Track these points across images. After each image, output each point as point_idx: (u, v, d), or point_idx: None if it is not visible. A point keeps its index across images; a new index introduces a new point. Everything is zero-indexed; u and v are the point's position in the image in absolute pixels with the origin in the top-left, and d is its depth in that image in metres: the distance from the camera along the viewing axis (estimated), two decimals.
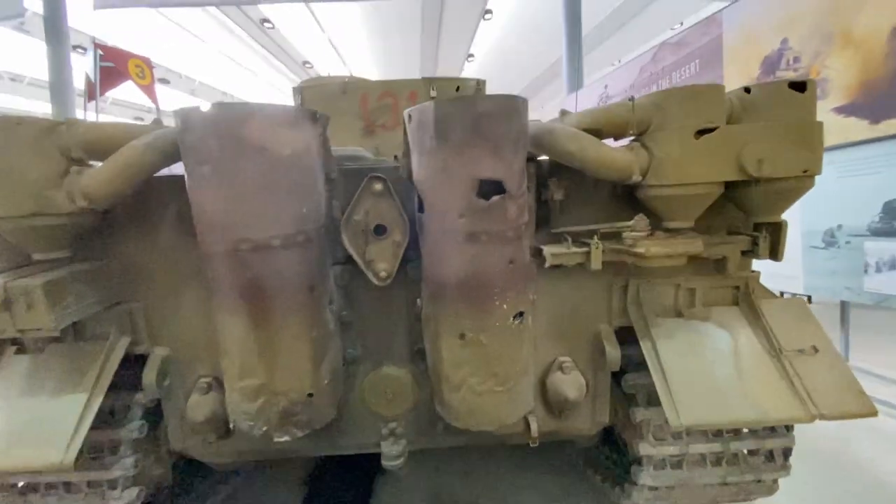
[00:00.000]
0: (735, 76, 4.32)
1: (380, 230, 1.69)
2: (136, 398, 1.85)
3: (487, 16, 13.45)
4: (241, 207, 1.37)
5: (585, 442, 2.56)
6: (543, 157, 1.74)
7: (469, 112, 1.32)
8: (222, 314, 1.49)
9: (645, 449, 1.87)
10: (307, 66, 18.10)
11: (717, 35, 4.44)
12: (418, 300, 1.69)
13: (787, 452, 1.92)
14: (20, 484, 1.84)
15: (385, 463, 1.89)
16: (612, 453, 2.53)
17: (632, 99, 1.51)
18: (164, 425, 2.00)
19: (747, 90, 1.49)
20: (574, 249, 1.65)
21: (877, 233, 3.16)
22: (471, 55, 16.94)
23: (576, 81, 8.16)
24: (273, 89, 20.40)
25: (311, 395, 1.56)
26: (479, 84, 3.15)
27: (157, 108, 6.51)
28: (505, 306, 1.47)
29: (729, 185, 1.56)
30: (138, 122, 1.85)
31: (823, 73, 3.45)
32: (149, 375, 1.79)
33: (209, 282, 1.50)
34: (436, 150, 1.39)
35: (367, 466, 2.80)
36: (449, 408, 1.60)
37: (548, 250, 1.66)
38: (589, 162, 1.51)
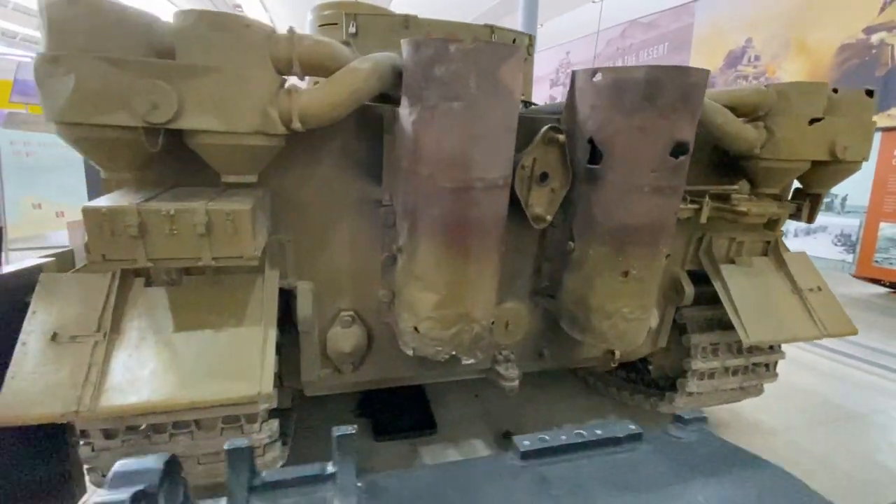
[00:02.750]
0: (701, 63, 4.99)
1: (544, 177, 1.85)
2: None
3: None
4: (484, 146, 1.43)
5: (605, 368, 3.10)
6: None
7: (680, 80, 1.54)
8: (433, 249, 1.55)
9: (696, 364, 2.40)
10: (237, 8, 16.30)
11: (688, 24, 5.03)
12: (570, 243, 1.91)
13: (776, 364, 2.63)
14: (142, 426, 1.70)
15: (505, 384, 2.14)
16: (630, 374, 3.11)
17: (768, 86, 1.86)
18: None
19: (835, 90, 1.94)
20: (688, 206, 2.01)
21: None
22: None
23: (533, 25, 8.01)
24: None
25: (493, 322, 1.73)
26: (531, 39, 3.26)
27: None
28: (664, 249, 1.78)
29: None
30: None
31: (778, 73, 4.22)
32: (304, 308, 1.76)
33: (415, 217, 1.54)
34: (637, 111, 1.59)
35: (414, 396, 3.01)
36: (598, 333, 1.90)
37: None
38: (729, 133, 1.84)
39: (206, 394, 1.45)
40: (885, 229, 3.47)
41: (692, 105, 1.59)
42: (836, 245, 3.93)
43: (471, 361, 1.72)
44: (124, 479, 0.56)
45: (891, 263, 3.44)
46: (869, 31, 3.56)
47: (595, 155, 1.75)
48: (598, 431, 0.78)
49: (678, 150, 1.63)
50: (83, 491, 2.02)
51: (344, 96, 1.39)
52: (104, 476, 1.70)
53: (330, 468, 0.68)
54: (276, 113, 1.34)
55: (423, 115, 1.41)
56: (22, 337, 1.41)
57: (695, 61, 5.13)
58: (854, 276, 4.17)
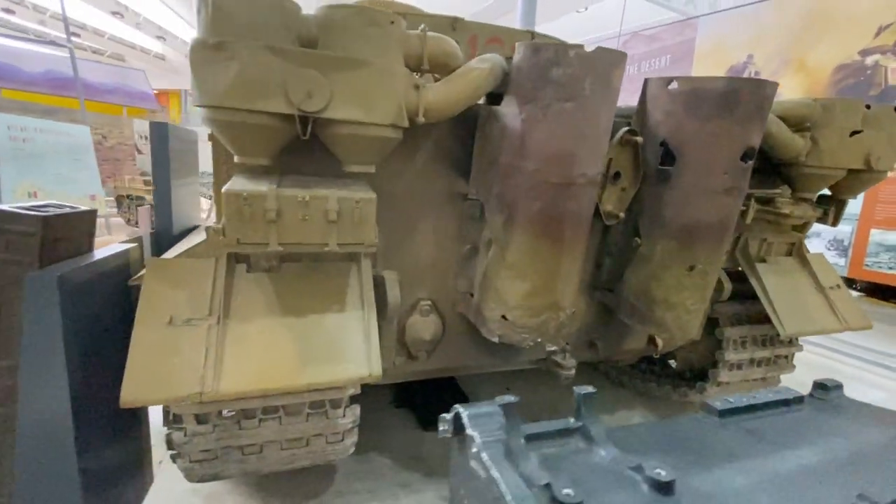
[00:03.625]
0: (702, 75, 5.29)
1: (616, 176, 1.97)
2: None
3: None
4: (589, 145, 1.54)
5: (629, 361, 3.27)
6: None
7: (759, 92, 1.70)
8: (528, 240, 1.64)
9: (728, 356, 2.58)
10: None
11: (690, 38, 5.31)
12: (636, 238, 2.04)
13: (793, 356, 2.85)
14: (227, 412, 1.71)
15: (562, 372, 2.25)
16: (652, 367, 3.29)
17: (815, 100, 2.05)
18: None
19: (868, 106, 2.15)
20: None
21: None
22: None
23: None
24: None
25: (573, 311, 1.84)
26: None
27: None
28: (726, 244, 1.94)
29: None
30: None
31: (783, 90, 4.51)
32: (394, 296, 1.81)
33: (513, 209, 1.63)
34: (714, 118, 1.74)
35: (449, 388, 3.09)
36: (661, 324, 2.03)
37: None
38: (780, 142, 2.02)
39: (320, 376, 1.49)
40: (876, 235, 3.80)
41: (763, 114, 1.75)
42: (829, 249, 4.26)
43: (553, 348, 1.82)
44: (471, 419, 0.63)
45: (880, 267, 3.78)
46: (864, 53, 3.89)
47: (667, 157, 1.89)
48: (771, 395, 0.90)
49: (748, 154, 1.78)
50: (151, 479, 2.00)
51: (466, 94, 1.47)
52: (192, 462, 1.71)
53: (573, 422, 0.76)
54: (405, 107, 1.41)
55: (535, 113, 1.50)
56: (138, 319, 1.42)
57: (696, 73, 5.42)
58: (846, 279, 4.56)
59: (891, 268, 3.69)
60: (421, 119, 1.44)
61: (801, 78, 4.32)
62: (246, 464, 1.80)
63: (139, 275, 1.58)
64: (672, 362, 3.23)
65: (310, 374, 1.48)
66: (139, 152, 10.59)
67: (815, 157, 2.09)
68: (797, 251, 2.65)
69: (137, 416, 1.82)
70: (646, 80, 1.94)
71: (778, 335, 2.72)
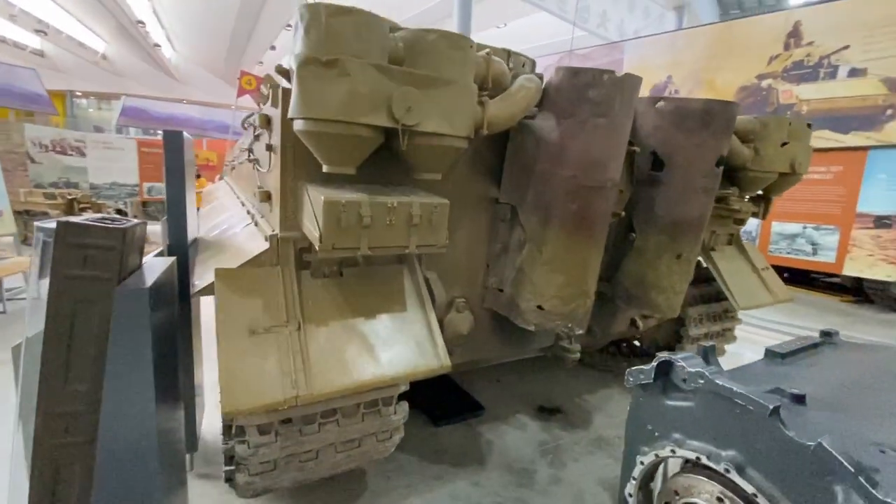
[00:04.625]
0: None
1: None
2: None
3: None
4: (616, 153, 1.82)
5: (599, 346, 3.67)
6: None
7: (728, 111, 2.10)
8: (563, 237, 1.88)
9: (692, 331, 3.05)
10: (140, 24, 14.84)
11: (619, 59, 6.01)
12: (632, 234, 2.37)
13: (734, 329, 3.41)
14: (277, 422, 1.71)
15: (569, 356, 2.52)
16: (620, 348, 3.72)
17: (755, 118, 2.54)
18: None
19: (789, 123, 2.71)
20: None
21: None
22: None
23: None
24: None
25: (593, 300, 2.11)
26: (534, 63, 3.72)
27: None
28: (702, 236, 2.34)
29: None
30: None
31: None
32: (440, 295, 1.94)
33: (549, 210, 1.86)
34: (698, 133, 2.12)
35: (448, 385, 3.23)
36: (654, 305, 2.38)
37: None
38: (735, 151, 2.48)
39: (398, 370, 1.58)
40: (776, 227, 4.63)
41: (731, 129, 2.16)
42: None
43: (580, 331, 2.07)
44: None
45: (780, 252, 4.61)
46: (760, 77, 4.73)
47: (656, 164, 2.24)
48: (801, 342, 1.22)
49: (720, 161, 2.19)
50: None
51: (520, 108, 1.67)
52: (252, 475, 1.69)
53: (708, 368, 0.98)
54: (474, 120, 1.57)
55: (573, 127, 1.74)
56: (219, 331, 1.41)
57: None
58: None
59: (787, 253, 4.54)
60: (484, 131, 1.61)
61: (712, 96, 5.11)
62: (302, 471, 1.81)
63: (205, 285, 1.55)
64: (636, 343, 3.68)
65: (390, 368, 1.57)
66: (32, 161, 9.24)
67: (758, 163, 2.59)
68: (735, 241, 3.20)
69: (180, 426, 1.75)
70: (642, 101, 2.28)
71: (726, 311, 3.27)
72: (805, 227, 4.47)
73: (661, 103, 2.19)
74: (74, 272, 1.24)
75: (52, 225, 1.25)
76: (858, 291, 6.75)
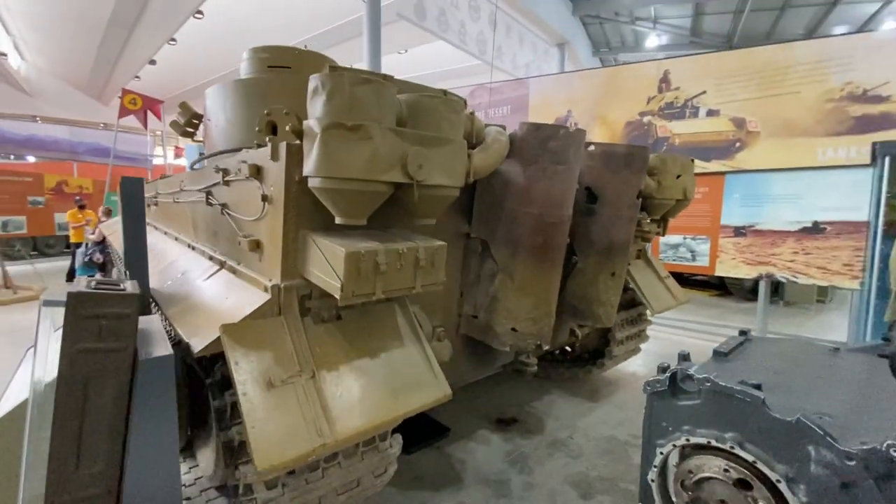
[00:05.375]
0: None
1: None
2: None
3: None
4: (570, 193, 2.14)
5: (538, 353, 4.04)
6: None
7: (643, 154, 2.58)
8: (532, 265, 2.15)
9: (618, 335, 3.54)
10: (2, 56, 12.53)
11: (525, 94, 6.68)
12: (574, 257, 2.74)
13: (646, 330, 4.01)
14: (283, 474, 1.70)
15: (528, 369, 2.79)
16: (556, 357, 4.13)
17: (657, 155, 3.09)
18: None
19: (676, 158, 3.34)
20: None
21: None
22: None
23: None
24: None
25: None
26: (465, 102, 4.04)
27: None
28: (628, 255, 2.79)
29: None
30: None
31: (589, 136, 6.07)
32: (428, 326, 2.08)
33: (518, 243, 2.12)
34: (623, 171, 2.56)
35: None
36: (596, 317, 2.75)
37: None
38: (646, 184, 3.00)
39: (410, 404, 1.69)
40: (663, 239, 5.51)
41: (645, 167, 2.64)
42: None
43: (547, 347, 2.34)
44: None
45: (668, 259, 5.49)
46: (642, 114, 5.63)
47: (590, 197, 2.64)
48: (735, 340, 1.59)
49: (640, 194, 2.66)
50: None
51: (497, 158, 1.90)
52: None
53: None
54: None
55: (536, 173, 2.03)
56: (239, 388, 1.39)
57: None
58: None
59: (673, 260, 5.43)
60: (470, 179, 1.81)
61: (605, 129, 5.94)
62: None
63: (209, 343, 1.51)
64: (568, 349, 4.12)
65: (402, 403, 1.67)
66: None
67: (661, 193, 3.15)
68: (643, 255, 3.79)
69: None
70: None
71: (640, 315, 3.83)
72: (685, 238, 5.40)
73: (591, 147, 2.59)
74: (88, 345, 1.17)
75: (60, 297, 1.17)
76: (721, 287, 8.20)
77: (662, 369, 1.32)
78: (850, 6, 11.63)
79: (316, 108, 1.39)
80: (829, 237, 4.44)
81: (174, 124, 3.99)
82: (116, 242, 4.14)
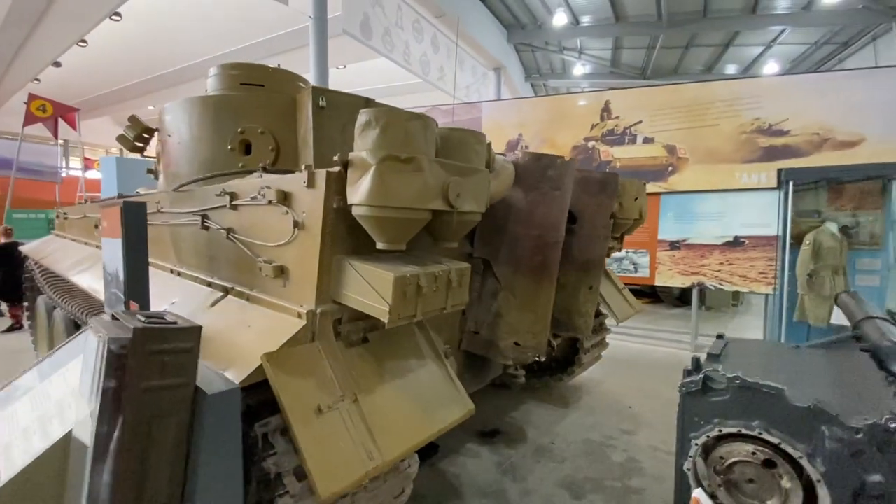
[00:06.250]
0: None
1: None
2: None
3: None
4: (565, 216, 2.35)
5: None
6: None
7: (615, 180, 2.88)
8: (532, 282, 2.32)
9: (586, 344, 3.82)
10: None
11: (478, 116, 7.01)
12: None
13: (606, 338, 4.36)
14: None
15: (517, 381, 2.96)
16: (529, 367, 4.34)
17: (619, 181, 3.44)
18: None
19: (631, 181, 3.73)
20: None
21: None
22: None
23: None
24: None
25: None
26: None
27: None
28: (603, 270, 3.07)
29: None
30: None
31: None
32: (441, 345, 2.15)
33: (520, 262, 2.28)
34: (598, 195, 2.84)
35: None
36: (576, 328, 2.98)
37: None
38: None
39: (443, 420, 1.75)
40: None
41: (617, 192, 2.95)
42: None
43: (542, 359, 2.51)
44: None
45: (615, 272, 6.02)
46: (587, 139, 6.15)
47: (571, 218, 2.89)
48: (720, 343, 1.86)
49: (612, 215, 2.95)
50: None
51: (506, 185, 2.05)
52: None
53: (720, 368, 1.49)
54: None
55: (537, 198, 2.21)
56: (291, 417, 1.38)
57: None
58: None
59: (619, 272, 5.96)
60: (487, 206, 1.94)
61: (554, 152, 6.36)
62: None
63: (250, 373, 1.47)
64: (540, 359, 4.34)
65: (436, 421, 1.73)
66: None
67: (622, 213, 3.49)
68: (606, 271, 4.14)
69: None
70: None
71: (602, 325, 4.16)
72: (627, 252, 5.93)
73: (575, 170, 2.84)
74: (153, 383, 1.14)
75: (106, 330, 1.12)
76: (653, 294, 9.01)
77: (689, 372, 1.53)
78: (738, 48, 13.58)
79: (367, 141, 1.45)
80: (747, 250, 5.15)
81: (122, 139, 3.73)
82: (59, 266, 3.72)
